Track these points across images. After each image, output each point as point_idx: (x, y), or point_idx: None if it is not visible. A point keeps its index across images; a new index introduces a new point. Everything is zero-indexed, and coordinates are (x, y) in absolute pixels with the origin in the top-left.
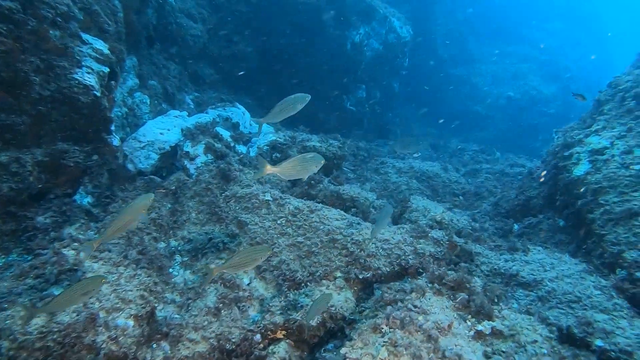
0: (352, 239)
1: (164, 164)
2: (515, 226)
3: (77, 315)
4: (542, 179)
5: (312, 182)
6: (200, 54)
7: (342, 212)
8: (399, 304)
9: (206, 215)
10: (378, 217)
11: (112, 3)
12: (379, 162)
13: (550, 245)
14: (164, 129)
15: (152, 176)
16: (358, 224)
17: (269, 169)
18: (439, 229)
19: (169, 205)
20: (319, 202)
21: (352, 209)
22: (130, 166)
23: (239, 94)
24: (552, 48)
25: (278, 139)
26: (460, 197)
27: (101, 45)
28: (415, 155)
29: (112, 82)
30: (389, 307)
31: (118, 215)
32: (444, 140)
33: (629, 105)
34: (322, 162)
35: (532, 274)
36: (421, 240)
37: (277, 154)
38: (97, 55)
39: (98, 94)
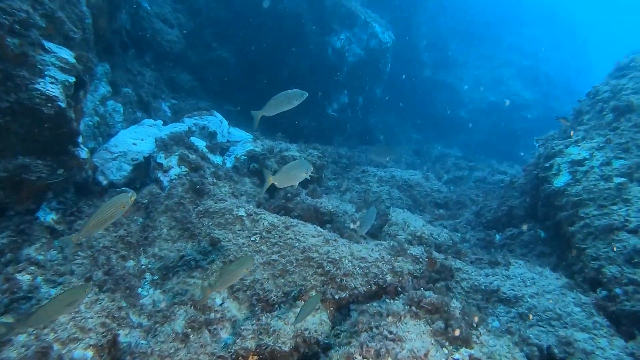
0: (328, 257)
1: (137, 175)
2: (497, 237)
3: (26, 350)
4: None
5: (289, 194)
6: (178, 60)
7: (319, 228)
8: (374, 330)
9: (178, 231)
10: (363, 219)
11: (79, 9)
12: (360, 171)
13: (532, 257)
14: (137, 139)
15: (124, 188)
16: (335, 240)
17: (271, 180)
18: (419, 244)
19: (140, 220)
20: (296, 216)
21: (329, 225)
22: (101, 178)
23: (218, 101)
24: (532, 53)
25: (255, 148)
26: (441, 210)
27: (66, 54)
28: (387, 159)
29: (81, 92)
30: (363, 335)
31: (97, 211)
32: (427, 145)
33: (608, 117)
34: (311, 168)
35: (512, 290)
36: (399, 258)
37: (255, 164)
38: (62, 65)
39: (63, 105)
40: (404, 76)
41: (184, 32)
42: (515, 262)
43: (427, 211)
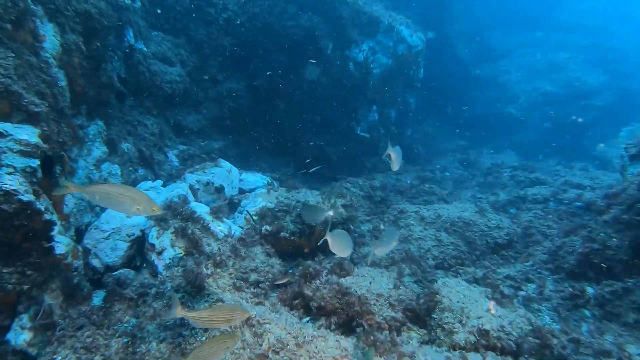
0: None
1: (136, 252)
2: (590, 291)
3: None
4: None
5: (310, 271)
6: (183, 100)
7: (343, 342)
8: None
9: (169, 345)
10: (382, 238)
11: (49, 73)
12: (399, 211)
13: None
14: None
15: (123, 270)
16: None
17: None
18: (486, 345)
19: (132, 323)
20: (315, 307)
21: (359, 329)
22: (95, 262)
23: (233, 137)
24: (593, 29)
25: (268, 204)
26: (504, 252)
27: (26, 134)
28: (396, 168)
29: (57, 167)
30: None
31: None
32: (475, 152)
33: None
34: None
35: None
36: None
37: (268, 227)
38: (21, 148)
39: (25, 198)
40: (439, 78)
41: (188, 68)
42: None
43: (486, 258)
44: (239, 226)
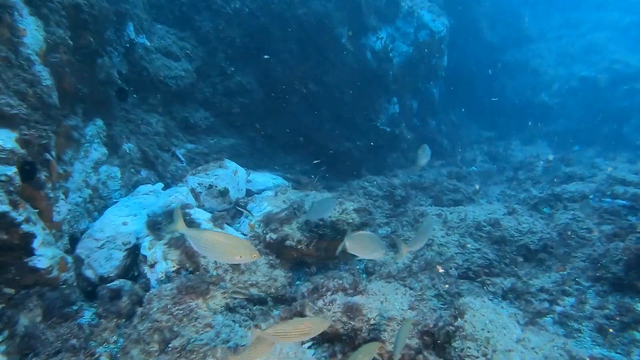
0: None
1: (133, 262)
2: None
3: None
4: None
5: (321, 288)
6: (190, 96)
7: None
8: None
9: None
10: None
11: (30, 71)
12: (419, 214)
13: None
14: (128, 216)
15: (118, 282)
16: None
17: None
18: None
19: (115, 350)
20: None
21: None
22: (89, 273)
23: (244, 134)
24: (636, 6)
25: (274, 209)
26: (541, 259)
27: (0, 139)
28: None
29: (42, 173)
30: None
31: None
32: (504, 143)
33: None
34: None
35: None
36: None
37: (272, 235)
38: None
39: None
40: (466, 66)
41: (194, 62)
42: None
43: (517, 267)
44: (243, 233)
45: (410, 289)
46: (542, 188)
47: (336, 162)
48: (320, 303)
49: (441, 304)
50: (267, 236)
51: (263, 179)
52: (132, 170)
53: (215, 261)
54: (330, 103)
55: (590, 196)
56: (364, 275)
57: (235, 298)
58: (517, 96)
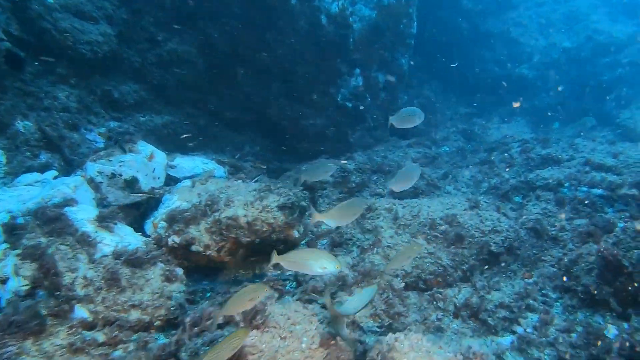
0: None
1: None
2: (612, 332)
3: None
4: None
5: (203, 316)
6: (113, 66)
7: None
8: None
9: None
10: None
11: None
12: (367, 207)
13: None
14: None
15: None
16: None
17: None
18: None
19: None
20: None
21: None
22: None
23: (181, 110)
24: None
25: (184, 203)
26: (504, 264)
27: None
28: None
29: None
30: None
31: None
32: (482, 120)
33: None
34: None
35: None
36: None
37: (175, 238)
38: None
39: None
40: (441, 35)
41: (115, 26)
42: None
43: (476, 274)
44: (146, 235)
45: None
46: (516, 172)
47: (293, 142)
48: (198, 342)
49: (366, 338)
50: (170, 239)
51: (191, 164)
52: (28, 153)
53: (86, 276)
54: (283, 75)
55: (566, 184)
56: (294, 284)
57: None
58: (497, 69)
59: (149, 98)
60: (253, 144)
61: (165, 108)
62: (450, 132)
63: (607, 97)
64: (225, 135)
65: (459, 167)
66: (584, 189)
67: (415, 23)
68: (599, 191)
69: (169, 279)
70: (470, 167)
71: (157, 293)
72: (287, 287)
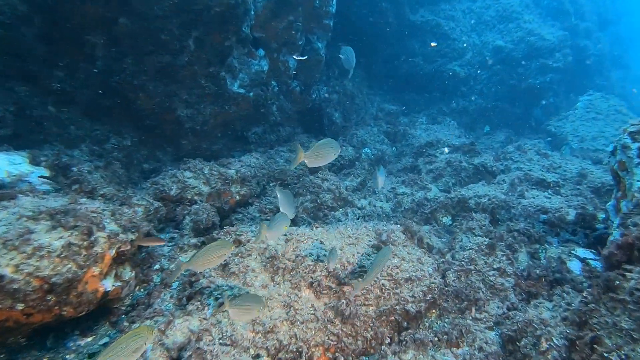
0: None
1: None
2: None
3: None
4: None
5: None
6: None
7: None
8: None
9: None
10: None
11: None
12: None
13: None
14: None
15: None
16: None
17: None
18: None
19: None
20: None
21: None
22: None
23: (8, 84)
24: None
25: None
26: (420, 332)
27: None
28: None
29: None
30: None
31: (204, 250)
32: (408, 119)
33: None
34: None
35: None
36: None
37: None
38: None
39: None
40: (367, 21)
41: None
42: None
43: (384, 346)
44: None
45: None
46: (445, 184)
47: (174, 138)
48: None
49: None
50: None
51: None
52: None
53: None
54: (155, 50)
55: (504, 205)
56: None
57: None
58: (427, 64)
59: None
60: (119, 136)
61: None
62: (373, 131)
63: (538, 103)
64: (82, 125)
65: (381, 175)
66: (525, 213)
67: (334, 1)
68: (543, 216)
69: None
70: (392, 175)
71: None
72: None
